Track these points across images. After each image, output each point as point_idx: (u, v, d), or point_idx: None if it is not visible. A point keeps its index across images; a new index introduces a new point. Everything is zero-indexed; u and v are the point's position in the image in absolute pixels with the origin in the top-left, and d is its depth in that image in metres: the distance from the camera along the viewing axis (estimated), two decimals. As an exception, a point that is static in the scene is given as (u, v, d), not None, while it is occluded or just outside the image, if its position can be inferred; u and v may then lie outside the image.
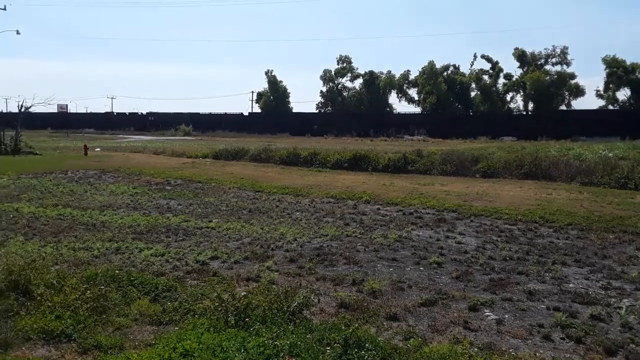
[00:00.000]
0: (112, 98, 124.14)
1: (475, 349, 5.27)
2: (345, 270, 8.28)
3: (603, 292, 7.22)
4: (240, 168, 23.31)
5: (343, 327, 5.43)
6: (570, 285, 7.53)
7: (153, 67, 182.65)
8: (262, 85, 79.13)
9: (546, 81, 61.35)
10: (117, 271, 7.31)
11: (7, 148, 31.85)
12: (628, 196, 15.76)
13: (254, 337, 5.17)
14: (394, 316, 6.29)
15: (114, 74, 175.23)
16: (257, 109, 79.68)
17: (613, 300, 6.84)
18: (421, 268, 8.48)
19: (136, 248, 9.30)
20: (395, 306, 6.61)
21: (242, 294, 6.48)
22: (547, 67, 65.01)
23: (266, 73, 76.53)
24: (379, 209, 13.95)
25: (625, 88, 62.07)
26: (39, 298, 6.12)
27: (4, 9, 40.17)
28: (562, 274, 8.04)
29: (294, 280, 7.56)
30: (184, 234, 10.58)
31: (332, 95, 75.84)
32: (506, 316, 6.32)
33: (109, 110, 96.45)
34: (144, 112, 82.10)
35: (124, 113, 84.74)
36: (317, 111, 76.28)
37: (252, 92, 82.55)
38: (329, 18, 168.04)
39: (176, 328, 5.66)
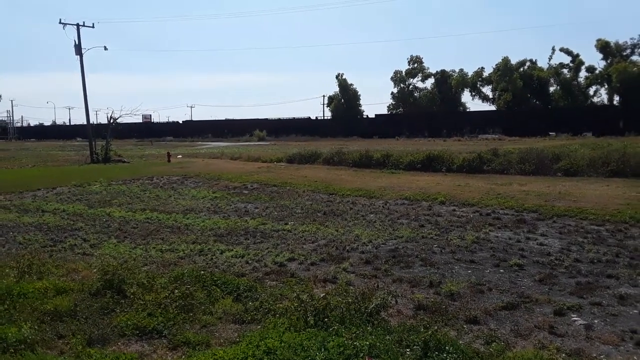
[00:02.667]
0: (191, 107, 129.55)
1: (564, 355, 5.07)
2: (421, 272, 8.21)
3: (700, 300, 6.71)
4: (314, 171, 23.62)
5: (422, 330, 5.39)
6: (667, 289, 7.05)
7: (229, 76, 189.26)
8: (333, 89, 79.81)
9: (634, 72, 57.39)
10: (201, 272, 7.67)
11: (99, 157, 34.22)
12: None
13: (333, 337, 5.26)
14: (474, 319, 6.17)
15: (194, 84, 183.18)
16: (328, 112, 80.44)
17: None
18: (501, 270, 8.25)
19: (218, 250, 9.71)
20: (475, 309, 6.48)
21: (321, 294, 6.60)
22: (634, 57, 60.82)
23: (337, 77, 77.13)
24: (454, 210, 13.68)
25: None
26: (131, 296, 6.55)
27: (106, 49, 38.81)
28: (658, 278, 7.54)
29: (370, 281, 7.59)
30: (262, 236, 10.91)
31: (403, 96, 75.13)
32: (595, 321, 6.02)
33: (188, 118, 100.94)
34: (221, 119, 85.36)
35: (202, 120, 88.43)
36: (388, 112, 75.80)
37: (324, 96, 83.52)
38: (399, 19, 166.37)
39: (258, 327, 5.86)
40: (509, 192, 15.79)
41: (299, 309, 6.00)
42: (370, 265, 8.59)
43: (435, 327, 5.42)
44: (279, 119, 76.14)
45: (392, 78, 76.37)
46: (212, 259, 9.17)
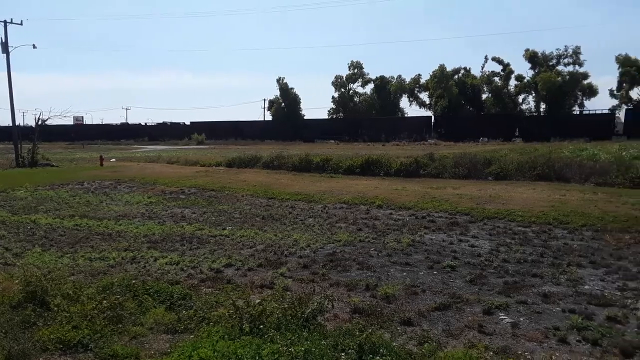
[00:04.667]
0: (126, 109, 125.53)
1: (491, 353, 5.25)
2: (358, 275, 8.30)
3: (619, 293, 7.15)
4: (253, 175, 23.43)
5: (357, 333, 5.45)
6: (586, 287, 7.47)
7: (168, 77, 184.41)
8: (274, 92, 79.40)
9: (558, 82, 60.82)
10: (132, 280, 7.40)
11: (25, 160, 32.35)
12: (644, 196, 15.56)
13: (268, 344, 5.21)
14: (408, 321, 6.29)
15: (129, 85, 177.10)
16: (268, 116, 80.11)
17: (629, 301, 6.77)
18: (435, 272, 8.46)
19: (151, 257, 9.41)
20: (409, 311, 6.61)
21: (257, 301, 6.52)
22: (559, 67, 64.48)
23: (277, 80, 76.92)
24: (391, 213, 13.94)
25: (639, 87, 61.31)
26: (55, 309, 6.22)
27: (34, 47, 41.49)
28: (577, 276, 7.97)
29: (307, 286, 7.59)
30: (198, 242, 10.67)
31: (344, 101, 75.99)
32: (521, 319, 6.28)
33: (123, 121, 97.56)
34: (158, 122, 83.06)
35: (139, 123, 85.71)
36: (329, 117, 76.45)
37: (264, 99, 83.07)
38: (340, 24, 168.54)
39: (191, 336, 5.71)
40: (444, 196, 16.28)
41: (234, 316, 5.91)
42: (308, 270, 8.58)
43: (370, 330, 5.49)
44: (219, 122, 74.96)
45: (333, 83, 77.08)
46: (145, 266, 8.87)
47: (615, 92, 63.18)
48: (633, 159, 21.86)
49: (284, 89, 76.15)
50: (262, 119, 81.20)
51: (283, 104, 76.14)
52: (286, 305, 6.19)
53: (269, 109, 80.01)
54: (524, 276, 8.05)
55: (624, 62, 60.82)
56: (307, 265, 8.81)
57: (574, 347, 5.47)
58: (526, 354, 5.26)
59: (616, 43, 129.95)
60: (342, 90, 76.61)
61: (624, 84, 62.02)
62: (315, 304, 6.21)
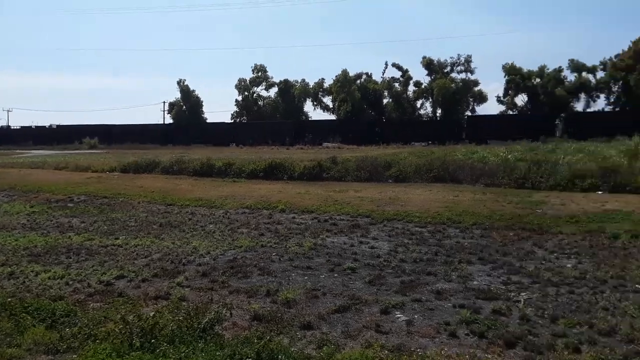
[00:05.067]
0: (8, 111, 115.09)
1: (386, 352, 5.35)
2: (259, 281, 8.17)
3: (504, 287, 7.63)
4: (151, 181, 22.42)
5: (256, 341, 5.33)
6: (475, 282, 7.90)
7: (55, 77, 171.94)
8: (175, 95, 76.84)
9: (452, 88, 64.70)
10: (9, 299, 6.72)
11: None
12: (526, 195, 16.86)
13: (160, 358, 4.93)
14: (307, 325, 6.26)
15: (11, 86, 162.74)
16: (169, 120, 77.40)
17: (512, 294, 7.24)
18: (335, 275, 8.54)
19: (32, 271, 8.64)
20: (309, 315, 6.60)
21: (151, 313, 6.18)
22: (453, 74, 68.59)
23: (178, 83, 74.65)
24: (294, 217, 13.95)
25: (523, 94, 66.90)
26: None
27: None
28: (467, 272, 8.41)
29: (206, 295, 7.35)
30: (87, 254, 9.97)
31: (248, 105, 75.39)
32: (416, 317, 6.49)
33: (4, 124, 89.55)
34: (45, 125, 77.13)
35: (23, 126, 79.06)
36: (232, 121, 75.43)
37: (164, 102, 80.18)
38: (244, 27, 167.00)
39: (74, 356, 5.27)
40: (346, 199, 16.59)
41: (124, 331, 5.54)
42: (207, 278, 8.31)
43: (269, 337, 5.40)
44: (114, 125, 71.08)
45: (236, 86, 76.17)
46: (24, 282, 8.11)
47: (502, 98, 68.37)
48: (517, 161, 23.67)
49: (186, 91, 74.09)
50: (162, 122, 78.22)
51: (184, 107, 74.01)
52: (181, 317, 5.92)
53: (169, 112, 77.32)
54: (419, 275, 8.36)
55: (510, 71, 66.00)
56: (206, 273, 8.53)
57: (462, 340, 5.74)
58: (419, 350, 5.43)
59: (503, 53, 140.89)
60: (246, 93, 76.00)
61: (510, 91, 67.32)
62: (213, 313, 6.00)
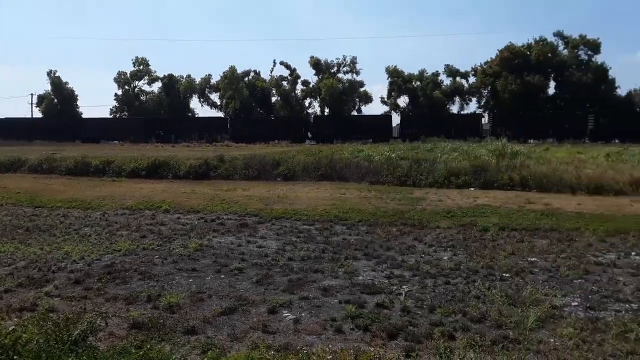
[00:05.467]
0: None
1: (272, 352, 5.28)
2: (140, 286, 7.71)
3: (387, 281, 7.91)
4: (16, 181, 20.39)
5: (134, 350, 4.98)
6: (360, 277, 8.10)
7: None
8: (45, 87, 70.75)
9: (339, 88, 66.53)
10: None
11: None
12: (407, 192, 17.75)
13: (22, 378, 4.42)
14: (192, 330, 6.01)
15: None
16: (38, 114, 71.06)
17: (395, 287, 7.53)
18: (222, 276, 8.32)
19: None
20: (194, 319, 6.34)
21: (11, 327, 5.54)
22: (340, 75, 70.55)
23: (49, 74, 68.84)
24: (179, 217, 13.42)
25: (405, 95, 70.60)
26: None
27: None
28: (353, 268, 8.60)
29: (78, 304, 6.78)
30: (-64, 264, 8.77)
31: (129, 99, 71.53)
32: (303, 314, 6.50)
33: None
34: None
35: None
36: (112, 116, 71.14)
37: (32, 94, 73.47)
38: (124, 17, 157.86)
39: None
40: (234, 198, 16.30)
41: (-22, 351, 4.90)
42: (80, 286, 7.67)
43: (149, 345, 5.08)
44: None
45: (115, 79, 71.99)
46: None
47: (386, 99, 71.62)
48: (400, 159, 24.87)
49: (57, 83, 68.56)
50: (30, 117, 71.60)
51: (56, 100, 68.44)
52: (49, 329, 5.37)
53: (37, 106, 71.02)
54: (307, 273, 8.40)
55: (392, 73, 69.33)
56: (79, 281, 7.87)
57: (348, 335, 5.84)
58: (305, 347, 5.42)
59: (387, 56, 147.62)
60: (127, 87, 72.09)
61: (393, 93, 70.74)
62: (86, 323, 5.51)
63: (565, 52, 66.08)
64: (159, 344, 5.51)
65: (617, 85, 65.25)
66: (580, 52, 65.19)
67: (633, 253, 9.35)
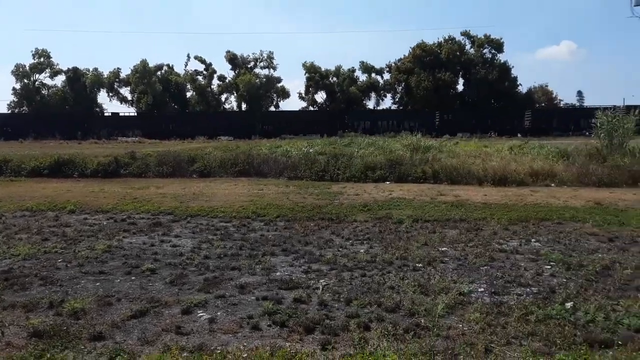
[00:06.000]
0: None
1: (185, 354, 5.10)
2: (41, 292, 7.17)
3: (304, 275, 7.90)
4: None
5: (33, 361, 4.62)
6: (277, 273, 8.04)
7: None
8: None
9: (256, 83, 65.98)
10: None
11: None
12: (325, 187, 17.94)
13: None
14: (99, 335, 5.67)
15: None
16: None
17: (312, 282, 7.54)
18: (133, 278, 7.93)
19: None
20: (101, 324, 5.99)
21: None
22: (257, 70, 70.01)
23: None
24: (86, 218, 12.66)
25: (322, 91, 71.35)
26: None
27: None
28: (271, 264, 8.52)
29: (-32, 315, 6.17)
30: None
31: (29, 94, 66.73)
32: (219, 313, 6.34)
33: None
34: None
35: None
36: (10, 111, 66.00)
37: None
38: (22, 6, 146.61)
39: None
40: (146, 196, 15.66)
41: None
42: (-29, 295, 7.00)
43: (50, 354, 4.77)
44: None
45: (13, 72, 66.82)
46: None
47: (304, 95, 72.01)
48: (318, 154, 25.09)
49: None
50: None
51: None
52: None
53: None
54: (223, 270, 8.21)
55: (309, 69, 69.79)
56: (-30, 289, 7.19)
57: (265, 332, 5.76)
58: (220, 347, 5.28)
59: (303, 51, 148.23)
60: (26, 81, 67.16)
61: (311, 88, 71.26)
62: (-23, 336, 5.06)
63: (472, 50, 69.84)
64: (61, 352, 5.19)
65: (519, 82, 70.05)
66: (485, 51, 69.21)
67: (533, 240, 10.01)
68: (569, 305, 6.31)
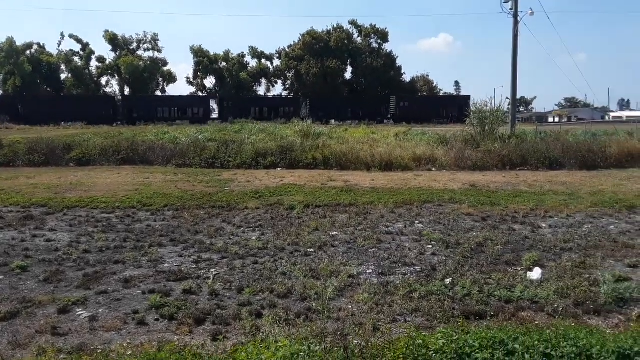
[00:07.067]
0: None
1: (63, 355, 4.73)
2: None
3: (195, 266, 7.67)
4: None
5: None
6: (166, 265, 7.72)
7: None
8: None
9: (140, 66, 62.65)
10: None
11: None
12: (215, 174, 17.57)
13: None
14: (-40, 343, 5.07)
15: None
16: None
17: (203, 272, 7.34)
18: (0, 277, 7.20)
19: None
20: (-36, 330, 5.36)
21: None
22: (140, 52, 66.49)
23: None
24: (-59, 213, 11.26)
25: (211, 76, 69.56)
26: None
27: None
28: (159, 256, 8.17)
29: None
30: None
31: None
32: (100, 310, 5.95)
33: None
34: None
35: None
36: None
37: None
38: None
39: None
40: (15, 187, 14.29)
41: None
42: None
43: None
44: None
45: None
46: None
47: (192, 79, 69.68)
48: (207, 141, 24.47)
49: None
50: None
51: None
52: None
53: None
54: (105, 265, 7.72)
55: (197, 53, 67.61)
56: None
57: (152, 326, 5.51)
58: (102, 347, 4.96)
59: (190, 34, 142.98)
60: None
61: (199, 73, 69.13)
62: None
63: (360, 40, 72.01)
64: None
65: (403, 71, 73.56)
66: (372, 41, 71.72)
67: (416, 222, 10.58)
68: (448, 281, 6.76)
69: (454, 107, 59.40)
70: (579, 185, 15.22)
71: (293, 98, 66.90)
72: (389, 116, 60.01)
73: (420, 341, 4.17)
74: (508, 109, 28.92)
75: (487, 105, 24.64)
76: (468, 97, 58.08)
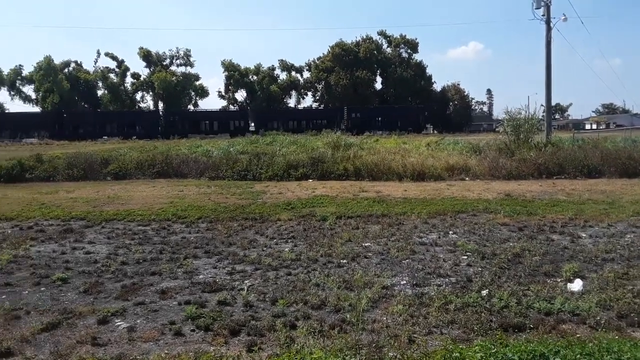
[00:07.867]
0: None
1: (103, 367, 4.83)
2: None
3: (229, 277, 7.74)
4: None
5: None
6: (200, 276, 7.81)
7: None
8: None
9: (173, 81, 64.06)
10: None
11: None
12: (248, 186, 17.74)
13: None
14: (7, 352, 5.24)
15: None
16: None
17: (237, 283, 7.40)
18: (42, 288, 7.41)
19: None
20: (9, 339, 5.52)
21: None
22: (173, 67, 68.02)
23: None
24: (-13, 227, 11.69)
25: (242, 89, 70.57)
26: None
27: None
28: (194, 267, 8.27)
29: None
30: None
31: None
32: (138, 321, 6.05)
33: None
34: None
35: None
36: None
37: None
38: None
39: None
40: (55, 201, 14.73)
41: None
42: None
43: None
44: None
45: None
46: None
47: (223, 93, 70.83)
48: (239, 154, 24.77)
49: None
50: None
51: None
52: None
53: None
54: (142, 276, 7.86)
55: (228, 67, 68.73)
56: None
57: (188, 337, 5.57)
58: (140, 357, 5.04)
59: (221, 49, 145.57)
60: None
61: (230, 87, 70.23)
62: None
63: (389, 50, 71.99)
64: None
65: (433, 81, 73.13)
66: (401, 51, 71.58)
67: (450, 232, 10.44)
68: (484, 292, 6.63)
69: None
70: (619, 194, 14.77)
71: (324, 109, 67.22)
72: (343, 127, 58.81)
73: (458, 354, 4.10)
74: (543, 116, 28.32)
75: (521, 113, 24.23)
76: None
